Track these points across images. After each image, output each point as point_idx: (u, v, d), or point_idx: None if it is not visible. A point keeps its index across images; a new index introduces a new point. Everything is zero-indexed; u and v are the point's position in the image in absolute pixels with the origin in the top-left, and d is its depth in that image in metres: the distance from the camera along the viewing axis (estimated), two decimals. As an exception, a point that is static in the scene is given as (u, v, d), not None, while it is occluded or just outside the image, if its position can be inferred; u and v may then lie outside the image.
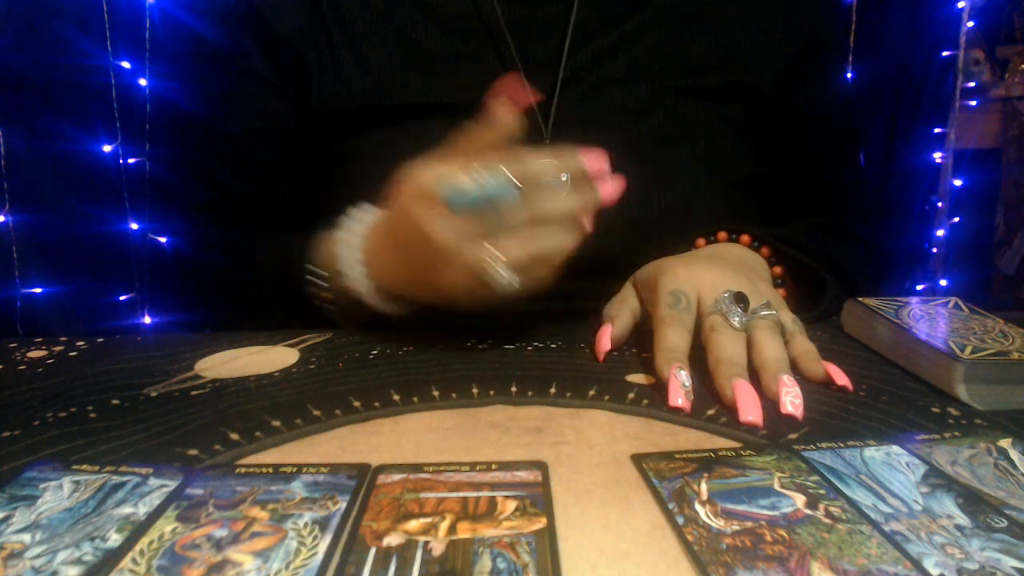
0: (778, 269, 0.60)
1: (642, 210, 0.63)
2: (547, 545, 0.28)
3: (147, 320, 1.01)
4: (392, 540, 0.28)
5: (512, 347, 0.53)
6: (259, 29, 0.70)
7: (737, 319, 0.47)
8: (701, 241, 0.62)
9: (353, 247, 0.55)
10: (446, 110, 0.65)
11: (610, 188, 0.49)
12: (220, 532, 0.29)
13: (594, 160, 0.48)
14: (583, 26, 0.68)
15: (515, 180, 0.46)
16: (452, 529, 0.29)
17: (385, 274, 0.54)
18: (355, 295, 0.55)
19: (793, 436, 0.39)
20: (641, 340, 0.54)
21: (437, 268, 0.48)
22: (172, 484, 0.33)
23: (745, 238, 0.61)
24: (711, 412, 0.42)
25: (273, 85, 0.70)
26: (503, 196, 0.46)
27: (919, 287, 1.23)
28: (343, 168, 0.68)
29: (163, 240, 0.98)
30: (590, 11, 0.68)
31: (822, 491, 0.32)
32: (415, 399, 0.43)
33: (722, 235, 0.62)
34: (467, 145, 0.49)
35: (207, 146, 0.75)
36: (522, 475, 0.33)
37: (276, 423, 0.40)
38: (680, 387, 0.43)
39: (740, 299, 0.48)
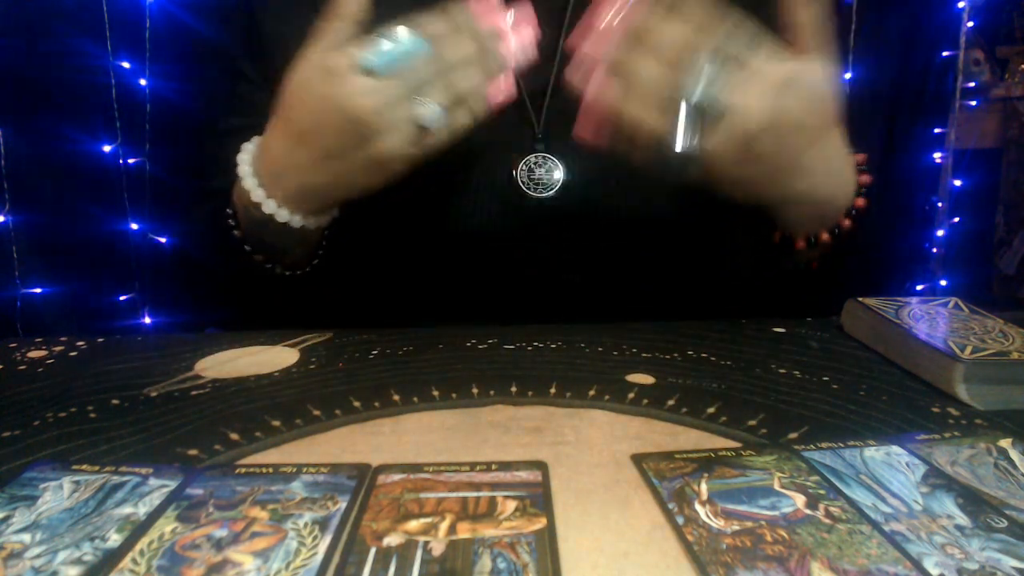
0: (861, 201, 0.58)
1: (642, 202, 0.63)
2: (547, 545, 0.28)
3: (147, 320, 1.01)
4: (392, 540, 0.28)
5: (512, 347, 0.53)
6: (249, 28, 0.70)
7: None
8: None
9: (247, 174, 0.57)
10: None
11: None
12: (220, 532, 0.29)
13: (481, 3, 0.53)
14: (580, 20, 0.67)
15: (418, 32, 0.51)
16: (452, 529, 0.29)
17: (296, 182, 0.56)
18: (262, 213, 0.57)
19: (793, 436, 0.39)
20: (641, 340, 0.54)
21: (371, 138, 0.51)
22: (172, 484, 0.33)
23: (861, 156, 0.59)
24: (711, 411, 0.42)
25: (261, 86, 0.70)
26: (417, 47, 0.50)
27: (919, 287, 1.23)
28: None
29: (163, 240, 0.98)
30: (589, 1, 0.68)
31: (822, 491, 0.32)
32: (415, 399, 0.43)
33: None
34: (335, 31, 0.52)
35: (203, 146, 0.75)
36: (522, 475, 0.33)
37: (276, 423, 0.40)
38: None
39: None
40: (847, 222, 0.57)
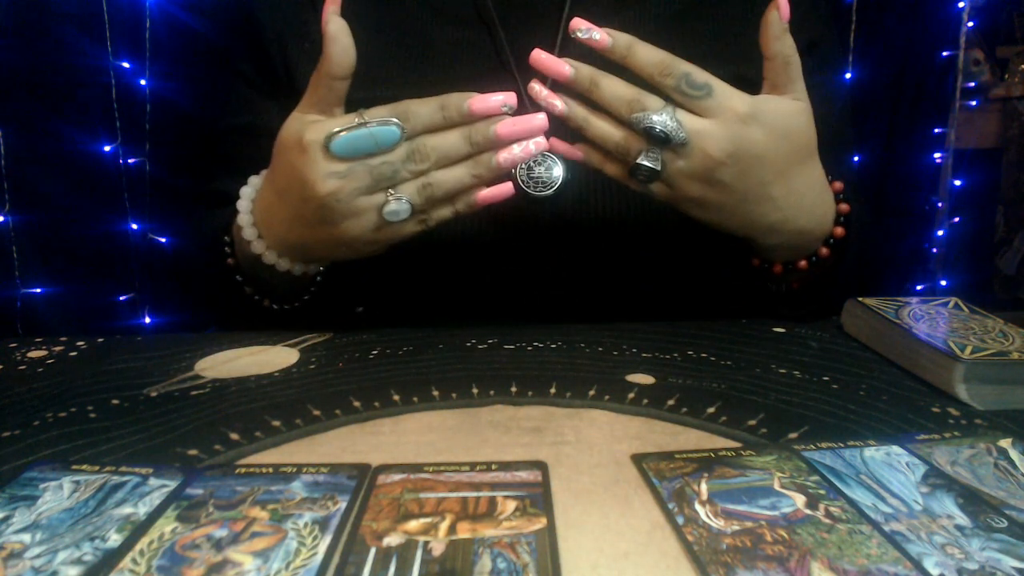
0: (840, 231, 0.58)
1: (642, 201, 0.63)
2: (547, 545, 0.28)
3: (147, 320, 1.01)
4: (392, 540, 0.28)
5: (512, 347, 0.53)
6: (248, 28, 0.70)
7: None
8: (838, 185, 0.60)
9: (246, 208, 0.57)
10: None
11: (511, 126, 0.50)
12: (220, 532, 0.29)
13: (480, 102, 0.49)
14: (579, 14, 0.67)
15: (396, 120, 0.49)
16: (452, 529, 0.29)
17: (279, 234, 0.56)
18: (253, 253, 0.57)
19: (793, 436, 0.39)
20: (641, 340, 0.54)
21: (333, 220, 0.51)
22: (172, 484, 0.33)
23: (837, 185, 0.59)
24: (711, 411, 0.42)
25: (259, 86, 0.70)
26: (388, 137, 0.48)
27: (919, 287, 1.23)
28: None
29: (163, 240, 0.98)
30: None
31: (822, 491, 0.32)
32: (415, 399, 0.43)
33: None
34: (323, 86, 0.51)
35: (202, 145, 0.75)
36: (522, 475, 0.33)
37: (276, 423, 0.40)
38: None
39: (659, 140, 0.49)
40: (825, 251, 0.58)
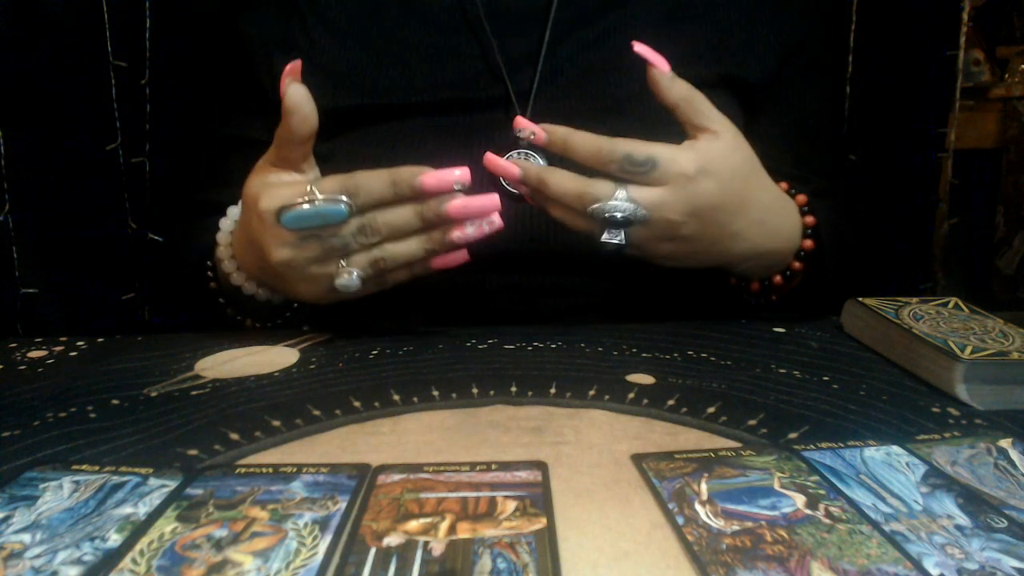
0: (809, 243, 0.59)
1: None
2: (547, 545, 0.28)
3: (147, 320, 1.01)
4: (392, 540, 0.28)
5: (512, 347, 0.53)
6: (235, 40, 0.70)
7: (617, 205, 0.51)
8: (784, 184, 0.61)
9: (225, 241, 0.58)
10: (425, 108, 0.64)
11: (463, 208, 0.49)
12: (220, 532, 0.29)
13: (434, 179, 0.48)
14: (566, 19, 0.67)
15: (345, 198, 0.48)
16: (452, 529, 0.29)
17: (252, 271, 0.57)
18: (236, 288, 0.58)
19: (793, 436, 0.39)
20: (641, 340, 0.54)
21: (289, 281, 0.52)
22: (172, 484, 0.33)
23: (801, 198, 0.60)
24: (711, 411, 0.42)
25: (247, 97, 0.70)
26: (333, 212, 0.48)
27: (919, 287, 1.23)
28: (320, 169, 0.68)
29: (163, 240, 0.98)
30: (573, 1, 0.68)
31: (822, 491, 0.32)
32: (415, 399, 0.43)
33: (783, 185, 0.61)
34: (285, 147, 0.51)
35: (195, 152, 0.75)
36: (522, 475, 0.33)
37: (276, 423, 0.40)
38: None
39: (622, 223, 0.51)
40: (797, 265, 0.60)
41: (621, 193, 0.50)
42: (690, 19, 0.68)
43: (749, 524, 0.30)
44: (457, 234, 0.50)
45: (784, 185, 0.61)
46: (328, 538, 0.28)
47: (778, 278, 0.60)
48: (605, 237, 0.52)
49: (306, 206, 0.48)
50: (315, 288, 0.52)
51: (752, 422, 0.40)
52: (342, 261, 0.50)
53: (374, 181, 0.48)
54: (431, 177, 0.48)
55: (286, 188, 0.50)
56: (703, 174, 0.51)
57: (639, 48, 0.53)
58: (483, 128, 0.64)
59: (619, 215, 0.50)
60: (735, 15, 0.68)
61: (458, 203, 0.49)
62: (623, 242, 0.52)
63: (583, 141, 0.51)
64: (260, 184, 0.51)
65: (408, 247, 0.50)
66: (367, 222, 0.49)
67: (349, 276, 0.50)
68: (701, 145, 0.52)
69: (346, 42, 0.67)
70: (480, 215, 0.50)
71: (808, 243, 0.59)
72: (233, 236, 0.58)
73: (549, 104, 0.65)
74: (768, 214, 0.57)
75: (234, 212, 0.59)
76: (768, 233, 0.57)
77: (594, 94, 0.66)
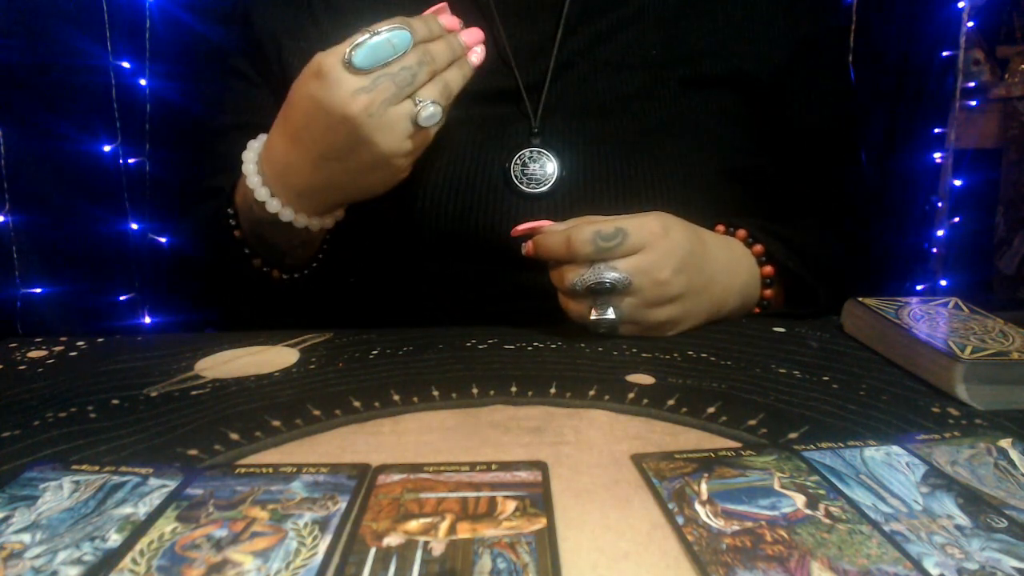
0: (768, 269, 0.61)
1: (637, 199, 0.63)
2: (547, 545, 0.28)
3: (147, 320, 1.01)
4: (392, 540, 0.28)
5: (512, 347, 0.53)
6: (244, 27, 0.70)
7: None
8: (720, 227, 0.63)
9: (252, 172, 0.58)
10: None
11: (472, 36, 0.58)
12: (220, 532, 0.29)
13: (448, 19, 0.58)
14: (578, 11, 0.67)
15: (403, 26, 0.53)
16: (452, 529, 0.29)
17: (296, 184, 0.57)
18: (266, 213, 0.58)
19: (793, 436, 0.39)
20: (641, 340, 0.54)
21: (367, 138, 0.53)
22: (172, 484, 0.33)
23: (742, 232, 0.62)
24: (711, 411, 0.42)
25: (255, 85, 0.70)
26: (400, 37, 0.53)
27: (919, 287, 1.23)
28: None
29: (163, 240, 0.98)
30: None
31: (822, 491, 0.32)
32: (415, 399, 0.43)
33: (720, 228, 0.62)
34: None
35: (199, 143, 0.75)
36: (522, 475, 0.33)
37: (276, 423, 0.40)
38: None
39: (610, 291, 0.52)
40: (768, 292, 0.61)
41: (600, 265, 0.51)
42: (700, 15, 0.68)
43: (749, 524, 0.30)
44: (473, 58, 0.58)
45: (720, 228, 0.63)
46: (328, 538, 0.28)
47: (756, 309, 0.62)
48: (594, 316, 0.52)
49: (375, 38, 0.52)
50: (393, 137, 0.53)
51: (752, 422, 0.40)
52: (417, 97, 0.53)
53: (415, 21, 0.55)
54: (447, 19, 0.58)
55: (342, 43, 0.52)
56: (670, 228, 0.53)
57: (519, 230, 0.56)
58: (493, 121, 0.64)
59: (606, 283, 0.51)
60: (745, 11, 0.68)
61: (465, 35, 0.58)
62: (615, 317, 0.52)
63: (547, 240, 0.53)
64: (311, 61, 0.53)
65: (461, 71, 0.57)
66: (425, 51, 0.54)
67: (430, 108, 0.53)
68: (648, 211, 0.54)
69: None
70: (476, 42, 0.58)
71: (768, 269, 0.61)
72: (262, 164, 0.58)
73: (559, 98, 0.65)
74: (721, 251, 0.58)
75: (256, 145, 0.59)
76: (731, 271, 0.59)
77: (601, 90, 0.66)
